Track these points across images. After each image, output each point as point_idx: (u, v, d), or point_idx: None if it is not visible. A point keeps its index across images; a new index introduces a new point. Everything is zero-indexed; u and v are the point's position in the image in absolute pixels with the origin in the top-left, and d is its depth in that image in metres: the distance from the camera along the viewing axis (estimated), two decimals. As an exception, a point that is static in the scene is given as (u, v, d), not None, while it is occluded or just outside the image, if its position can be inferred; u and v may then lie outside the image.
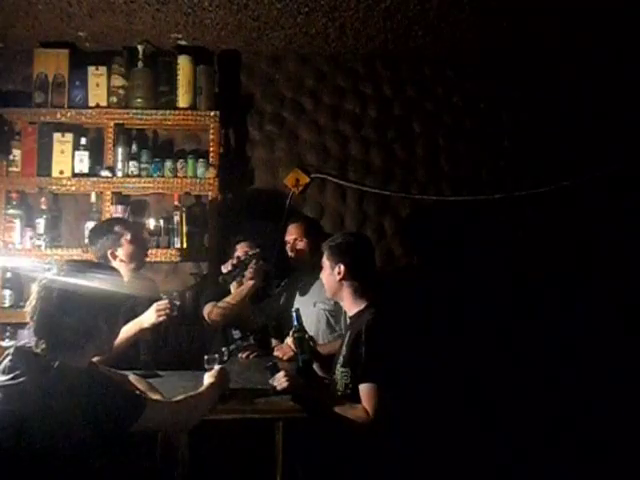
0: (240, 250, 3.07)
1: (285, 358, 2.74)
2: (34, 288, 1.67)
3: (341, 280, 2.34)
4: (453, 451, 3.18)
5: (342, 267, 2.32)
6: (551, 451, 3.28)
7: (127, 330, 2.42)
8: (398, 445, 2.28)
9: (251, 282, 2.95)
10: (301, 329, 2.47)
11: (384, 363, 2.19)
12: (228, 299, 2.97)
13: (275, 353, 2.83)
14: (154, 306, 2.48)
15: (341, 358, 2.32)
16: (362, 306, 2.35)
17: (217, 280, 3.08)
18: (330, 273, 2.36)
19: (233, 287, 3.02)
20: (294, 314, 2.50)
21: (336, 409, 2.19)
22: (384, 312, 2.32)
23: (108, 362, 2.07)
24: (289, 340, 2.55)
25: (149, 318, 2.47)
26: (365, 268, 2.39)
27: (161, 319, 2.47)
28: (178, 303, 2.53)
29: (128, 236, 2.79)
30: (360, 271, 2.35)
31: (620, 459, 3.19)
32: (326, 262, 2.38)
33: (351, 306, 2.38)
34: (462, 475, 3.16)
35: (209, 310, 2.97)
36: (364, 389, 2.16)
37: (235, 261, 2.99)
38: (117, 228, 2.83)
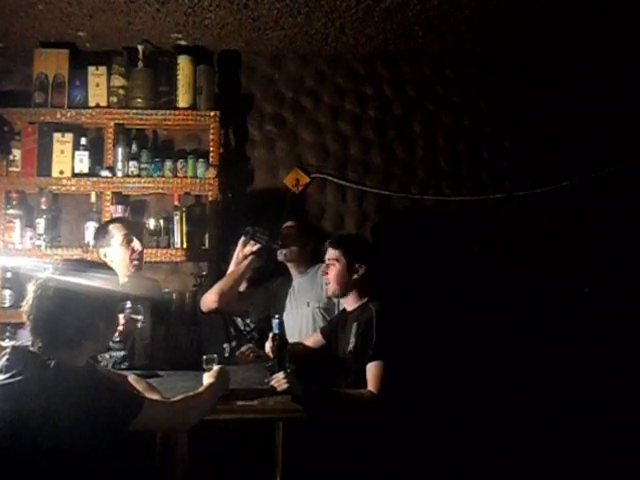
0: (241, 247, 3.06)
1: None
2: (30, 287, 1.68)
3: (356, 279, 2.52)
4: (454, 439, 3.20)
5: (363, 267, 2.52)
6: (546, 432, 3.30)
7: None
8: (400, 434, 2.34)
9: (247, 261, 2.94)
10: (282, 337, 2.55)
11: (393, 344, 2.35)
12: (224, 279, 2.97)
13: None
14: None
15: (350, 347, 2.44)
16: (364, 300, 2.54)
17: (216, 279, 3.07)
18: (347, 271, 2.52)
19: (233, 263, 3.03)
20: (277, 322, 2.56)
21: (338, 396, 2.34)
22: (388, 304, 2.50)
23: None
24: (268, 346, 2.61)
25: None
26: (373, 267, 2.57)
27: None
28: (140, 318, 2.56)
29: (117, 239, 2.79)
30: (372, 270, 2.55)
31: (617, 456, 3.19)
32: (343, 260, 2.54)
33: (354, 301, 2.57)
34: (464, 464, 3.17)
35: (204, 298, 2.97)
36: (372, 367, 2.30)
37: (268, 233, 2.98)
38: (110, 228, 2.83)
